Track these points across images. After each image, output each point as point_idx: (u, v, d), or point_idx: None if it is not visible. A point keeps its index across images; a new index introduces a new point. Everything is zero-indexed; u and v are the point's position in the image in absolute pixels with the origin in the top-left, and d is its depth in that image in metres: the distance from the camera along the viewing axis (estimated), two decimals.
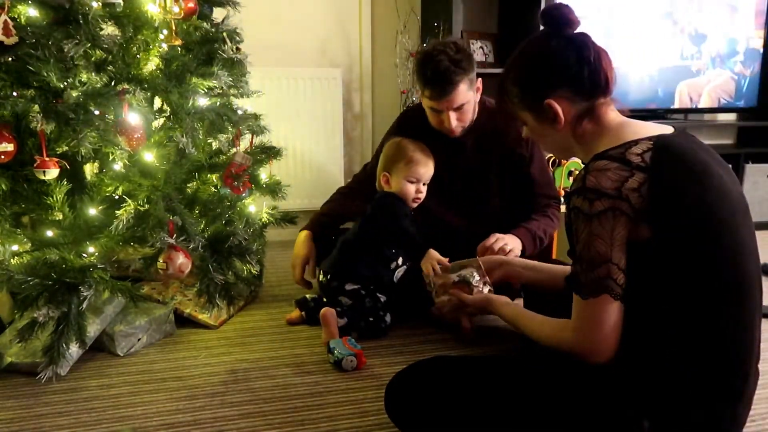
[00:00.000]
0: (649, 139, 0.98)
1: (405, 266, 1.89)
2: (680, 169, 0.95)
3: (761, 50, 3.14)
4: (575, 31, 1.06)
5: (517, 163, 1.91)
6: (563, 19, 1.05)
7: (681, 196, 0.93)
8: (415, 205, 1.84)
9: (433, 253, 1.68)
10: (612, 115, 1.07)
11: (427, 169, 1.81)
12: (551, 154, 2.22)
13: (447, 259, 1.66)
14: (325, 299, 1.87)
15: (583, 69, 1.04)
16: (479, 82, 1.84)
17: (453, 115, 1.79)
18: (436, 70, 1.71)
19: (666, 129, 1.02)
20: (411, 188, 1.81)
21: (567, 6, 1.06)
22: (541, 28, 1.09)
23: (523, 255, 1.78)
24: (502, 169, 1.92)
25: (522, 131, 1.19)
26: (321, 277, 1.90)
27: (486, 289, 1.51)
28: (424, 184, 1.83)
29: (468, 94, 1.78)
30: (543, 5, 2.75)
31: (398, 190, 1.81)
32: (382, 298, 1.83)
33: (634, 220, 0.93)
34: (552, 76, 1.06)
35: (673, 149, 0.96)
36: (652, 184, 0.92)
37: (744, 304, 0.96)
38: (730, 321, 0.95)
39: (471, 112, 1.84)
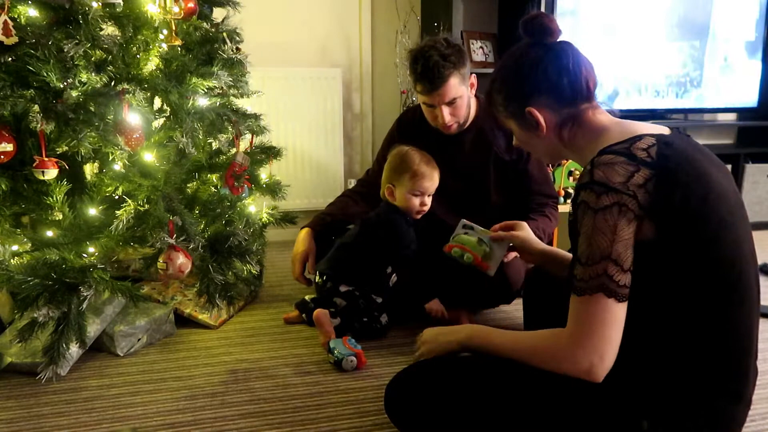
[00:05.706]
0: (651, 135, 0.97)
1: None
2: (684, 167, 0.94)
3: (761, 50, 3.13)
4: (556, 40, 1.07)
5: (515, 160, 1.91)
6: (543, 28, 1.07)
7: (686, 195, 0.92)
8: (418, 216, 1.84)
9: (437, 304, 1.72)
10: (602, 117, 1.07)
11: (432, 182, 1.81)
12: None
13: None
14: (321, 300, 1.87)
15: (562, 77, 1.05)
16: (473, 78, 1.84)
17: (446, 110, 1.80)
18: (426, 65, 1.73)
19: (663, 129, 1.02)
20: (415, 201, 1.80)
21: (548, 15, 1.08)
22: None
23: None
24: (501, 166, 1.92)
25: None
26: (317, 278, 1.90)
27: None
28: (428, 196, 1.83)
29: (460, 89, 1.78)
30: (542, 6, 2.75)
31: (402, 202, 1.81)
32: (378, 300, 1.83)
33: (639, 217, 0.91)
34: (532, 85, 1.07)
35: (674, 147, 0.96)
36: (659, 180, 0.91)
37: (743, 303, 0.96)
38: (729, 320, 0.95)
39: (465, 108, 1.84)
